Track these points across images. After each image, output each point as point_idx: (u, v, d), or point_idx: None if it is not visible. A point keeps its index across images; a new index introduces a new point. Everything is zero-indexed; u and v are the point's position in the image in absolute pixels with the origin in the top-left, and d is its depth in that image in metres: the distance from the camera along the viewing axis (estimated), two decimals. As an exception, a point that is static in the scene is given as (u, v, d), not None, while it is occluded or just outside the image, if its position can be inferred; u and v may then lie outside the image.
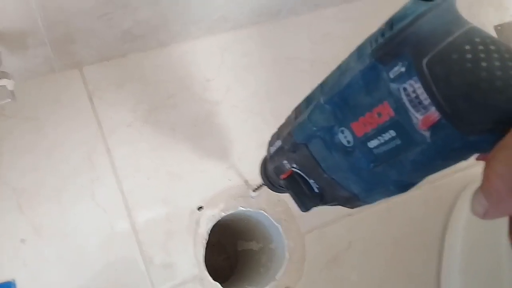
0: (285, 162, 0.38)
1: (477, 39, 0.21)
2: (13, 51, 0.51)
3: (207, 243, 0.60)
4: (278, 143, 0.39)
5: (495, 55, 0.21)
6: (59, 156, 0.58)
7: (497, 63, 0.20)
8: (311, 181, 0.36)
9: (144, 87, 0.63)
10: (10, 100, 0.44)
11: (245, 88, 0.67)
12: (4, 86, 0.44)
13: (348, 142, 0.29)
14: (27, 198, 0.56)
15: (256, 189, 0.61)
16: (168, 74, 0.64)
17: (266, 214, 0.63)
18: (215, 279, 0.59)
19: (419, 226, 0.69)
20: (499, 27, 0.85)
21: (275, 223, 0.63)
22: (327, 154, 0.32)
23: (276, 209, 0.63)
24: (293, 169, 0.38)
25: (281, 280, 0.61)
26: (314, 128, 0.32)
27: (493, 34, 0.84)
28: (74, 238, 0.56)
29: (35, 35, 0.50)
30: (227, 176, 0.63)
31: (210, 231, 0.60)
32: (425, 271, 0.69)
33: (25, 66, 0.56)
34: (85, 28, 0.53)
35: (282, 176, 0.39)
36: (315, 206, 0.37)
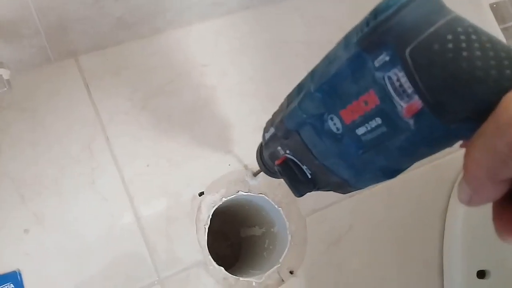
0: (279, 148, 0.39)
1: (459, 29, 0.22)
2: (7, 41, 0.51)
3: (210, 231, 0.60)
4: (272, 129, 0.39)
5: (476, 45, 0.21)
6: (58, 145, 0.58)
7: (477, 53, 0.21)
8: (304, 167, 0.37)
9: (140, 75, 0.63)
10: (6, 89, 0.44)
11: (241, 72, 0.67)
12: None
13: (338, 129, 0.30)
14: (28, 189, 0.56)
15: (256, 174, 0.62)
16: (163, 60, 0.64)
17: (267, 198, 0.63)
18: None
19: (420, 206, 0.69)
20: (494, 5, 0.85)
21: (276, 206, 0.63)
22: (318, 141, 0.33)
23: (276, 193, 0.64)
24: (286, 155, 0.38)
25: (283, 263, 0.62)
26: (304, 116, 0.32)
27: (489, 12, 0.84)
28: (77, 227, 0.56)
29: (29, 24, 0.50)
30: (226, 161, 0.63)
31: (213, 219, 0.61)
32: (427, 251, 0.69)
33: (21, 56, 0.56)
34: (78, 16, 0.53)
35: (276, 162, 0.40)
36: (308, 192, 0.38)
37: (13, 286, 0.52)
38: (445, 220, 0.70)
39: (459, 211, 0.68)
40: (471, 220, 0.67)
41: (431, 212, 0.70)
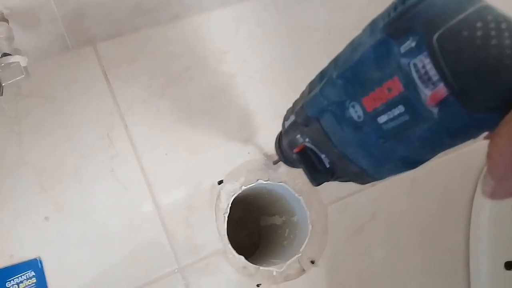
0: (298, 136, 0.39)
1: (489, 17, 0.21)
2: (25, 29, 0.51)
3: (230, 220, 0.60)
4: (292, 117, 0.39)
5: (506, 34, 0.21)
6: (77, 134, 0.58)
7: (507, 42, 0.21)
8: (322, 156, 0.37)
9: (158, 62, 0.62)
10: (23, 76, 0.44)
11: (261, 59, 0.66)
12: (17, 63, 0.44)
13: (359, 117, 0.30)
14: (48, 177, 0.56)
15: (276, 162, 0.61)
16: (182, 47, 0.63)
17: (287, 187, 0.62)
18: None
19: (446, 195, 0.68)
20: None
21: (296, 195, 0.62)
22: (338, 129, 0.32)
23: (297, 181, 0.63)
24: (305, 143, 0.38)
25: (304, 252, 0.61)
26: (326, 102, 0.32)
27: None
28: (97, 215, 0.56)
29: (46, 11, 0.50)
30: (246, 149, 0.62)
31: (232, 208, 0.60)
32: (452, 241, 0.67)
33: (39, 44, 0.56)
34: (96, 3, 0.52)
35: (295, 150, 0.39)
36: (326, 181, 0.38)
37: (33, 274, 0.52)
38: (471, 210, 0.68)
39: (486, 201, 0.66)
40: (499, 210, 0.65)
41: (456, 201, 0.68)
